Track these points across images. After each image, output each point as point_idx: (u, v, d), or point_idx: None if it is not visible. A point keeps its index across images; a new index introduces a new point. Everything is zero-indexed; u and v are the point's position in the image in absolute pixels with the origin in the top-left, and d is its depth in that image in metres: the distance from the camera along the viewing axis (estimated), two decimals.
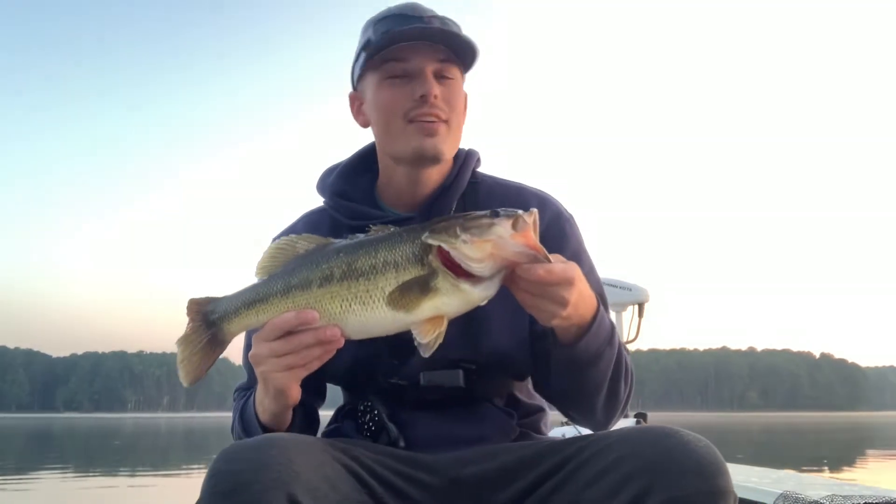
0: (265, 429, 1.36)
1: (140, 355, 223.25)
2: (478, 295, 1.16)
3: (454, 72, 1.44)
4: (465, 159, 1.53)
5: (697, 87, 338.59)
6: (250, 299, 1.26)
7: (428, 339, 1.16)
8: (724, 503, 1.07)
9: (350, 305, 1.19)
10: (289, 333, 1.20)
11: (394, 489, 1.25)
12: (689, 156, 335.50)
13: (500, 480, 1.26)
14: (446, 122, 1.42)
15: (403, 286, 1.16)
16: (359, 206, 1.50)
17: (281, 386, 1.25)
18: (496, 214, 1.13)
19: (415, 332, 1.18)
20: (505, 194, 1.53)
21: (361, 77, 1.48)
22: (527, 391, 1.53)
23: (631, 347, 3.80)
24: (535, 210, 1.15)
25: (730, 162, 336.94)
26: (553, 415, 1.60)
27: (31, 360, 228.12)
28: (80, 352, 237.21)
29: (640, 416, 5.83)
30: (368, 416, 1.43)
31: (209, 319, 1.31)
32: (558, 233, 1.49)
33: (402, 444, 1.38)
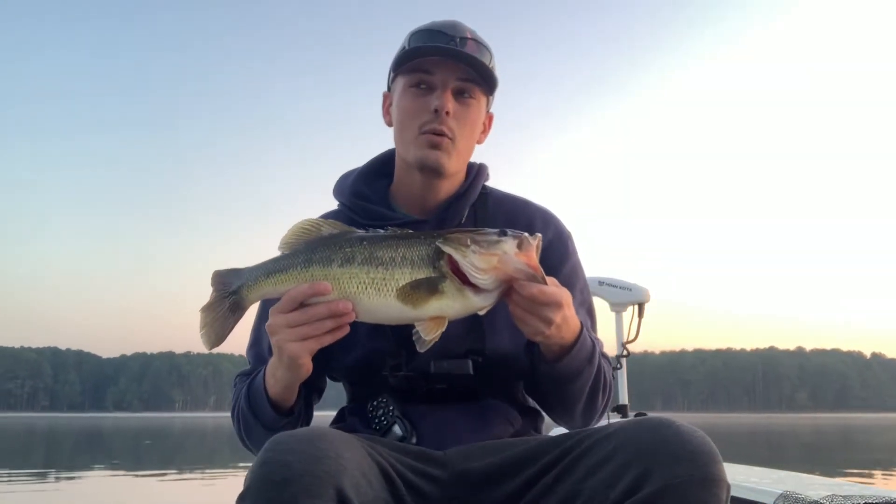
0: (272, 402, 1.43)
1: (188, 356, 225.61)
2: (478, 303, 1.28)
3: (475, 92, 1.55)
4: (478, 172, 1.65)
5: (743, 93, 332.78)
6: (271, 270, 1.35)
7: (430, 336, 1.28)
8: (717, 489, 1.11)
9: (366, 288, 1.29)
10: (304, 306, 1.29)
11: (409, 484, 1.30)
12: (731, 155, 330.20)
13: (505, 473, 1.32)
14: (452, 139, 1.53)
15: (414, 283, 1.27)
16: (376, 207, 1.60)
17: (293, 355, 1.31)
18: (504, 233, 1.26)
19: (419, 327, 1.29)
20: (512, 207, 1.67)
21: (394, 80, 1.60)
22: (524, 394, 1.62)
23: (631, 347, 3.84)
24: (539, 235, 1.28)
25: (763, 175, 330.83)
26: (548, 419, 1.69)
27: (82, 361, 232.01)
28: (129, 353, 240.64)
29: (641, 416, 5.65)
30: (382, 412, 1.50)
31: (230, 289, 1.39)
32: (561, 248, 1.63)
33: (414, 439, 1.45)
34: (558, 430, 1.79)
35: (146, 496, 10.81)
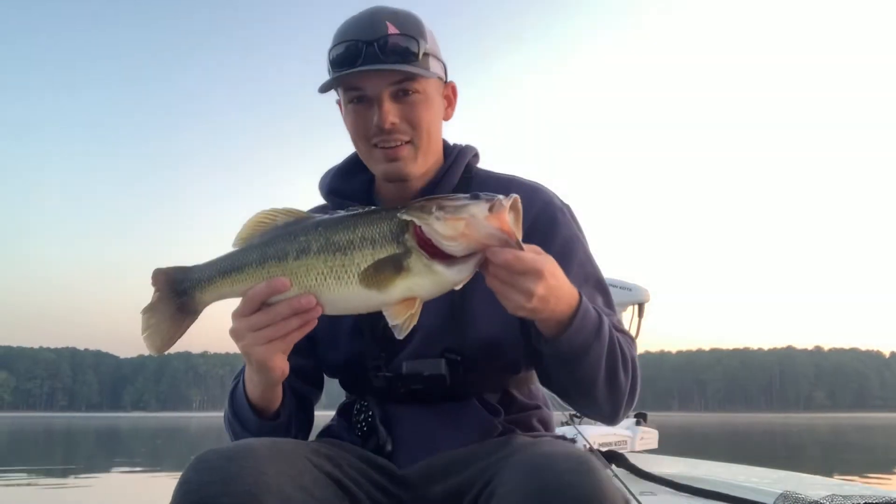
0: (254, 407, 1.38)
1: (204, 356, 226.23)
2: (451, 277, 1.14)
3: (417, 84, 1.42)
4: (458, 156, 1.55)
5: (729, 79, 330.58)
6: (225, 268, 1.24)
7: (398, 320, 1.15)
8: None
9: (325, 279, 1.18)
10: (266, 305, 1.20)
11: (372, 498, 1.32)
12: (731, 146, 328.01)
13: (457, 498, 1.29)
14: (410, 141, 1.44)
15: (377, 264, 1.15)
16: (353, 204, 1.46)
17: (262, 360, 1.24)
18: (476, 197, 1.13)
19: (385, 312, 1.17)
20: (496, 185, 1.52)
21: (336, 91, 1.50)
22: (527, 389, 1.55)
23: (642, 346, 3.84)
24: (516, 196, 1.14)
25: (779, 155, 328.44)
26: (556, 415, 1.65)
27: (100, 362, 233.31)
28: (146, 353, 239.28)
29: (640, 416, 5.73)
30: (363, 416, 1.48)
31: (178, 288, 1.27)
32: (549, 220, 1.48)
33: (389, 447, 1.43)
34: (561, 431, 1.79)
35: (161, 495, 10.88)
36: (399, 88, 1.41)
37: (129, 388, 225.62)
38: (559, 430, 1.63)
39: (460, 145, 1.59)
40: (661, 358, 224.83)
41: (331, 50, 1.44)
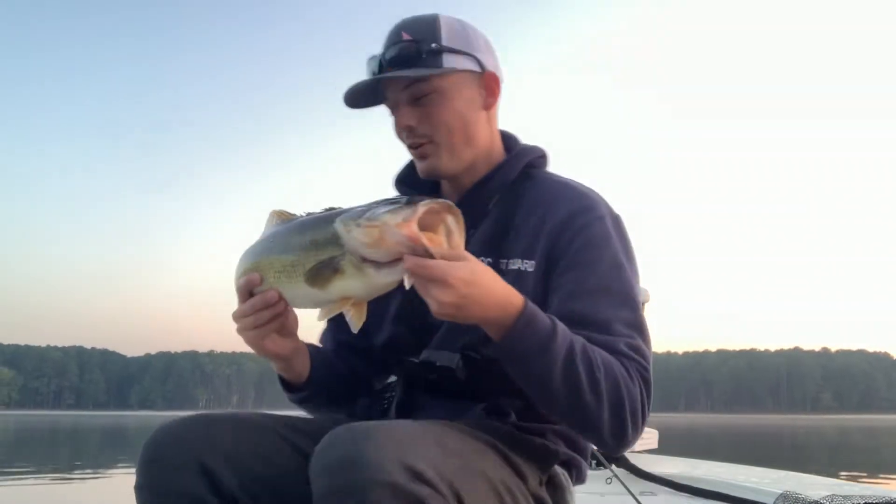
0: (282, 380, 1.51)
1: (211, 355, 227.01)
2: (380, 280, 1.19)
3: (428, 85, 1.45)
4: (518, 154, 1.56)
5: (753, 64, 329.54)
6: (239, 265, 1.41)
7: (324, 318, 1.28)
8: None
9: (280, 277, 1.30)
10: (251, 297, 1.34)
11: None
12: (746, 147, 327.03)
13: None
14: (433, 140, 1.48)
15: (318, 265, 1.23)
16: (418, 193, 1.43)
17: (251, 343, 1.38)
18: (410, 202, 1.15)
19: (320, 309, 1.28)
20: (547, 187, 1.53)
21: None
22: None
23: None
24: (443, 201, 1.18)
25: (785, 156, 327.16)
26: None
27: (106, 360, 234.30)
28: (153, 352, 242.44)
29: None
30: (388, 394, 1.58)
31: None
32: (581, 225, 1.44)
33: None
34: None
35: None
36: (412, 92, 1.46)
37: (136, 386, 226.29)
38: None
39: (526, 146, 1.60)
40: (668, 359, 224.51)
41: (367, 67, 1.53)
